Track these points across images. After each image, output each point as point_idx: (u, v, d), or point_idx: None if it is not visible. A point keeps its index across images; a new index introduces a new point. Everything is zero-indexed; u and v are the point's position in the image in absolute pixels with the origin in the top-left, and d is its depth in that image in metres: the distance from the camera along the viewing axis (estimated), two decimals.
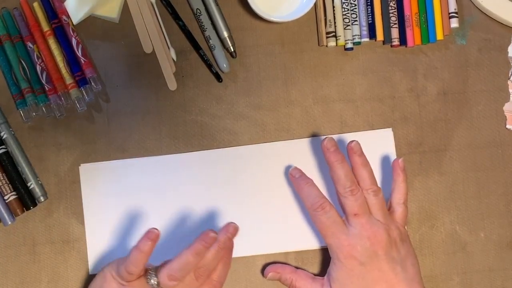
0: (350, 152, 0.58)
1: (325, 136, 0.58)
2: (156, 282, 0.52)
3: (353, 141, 0.58)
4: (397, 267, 0.55)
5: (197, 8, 0.63)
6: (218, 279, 0.56)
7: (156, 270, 0.53)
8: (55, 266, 0.62)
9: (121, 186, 0.62)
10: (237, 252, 0.62)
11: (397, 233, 0.56)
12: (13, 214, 0.61)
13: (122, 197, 0.62)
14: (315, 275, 0.61)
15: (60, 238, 0.62)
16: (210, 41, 0.63)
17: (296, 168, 0.60)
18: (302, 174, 0.59)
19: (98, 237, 0.62)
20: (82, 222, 0.62)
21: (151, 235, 0.51)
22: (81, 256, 0.62)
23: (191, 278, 0.53)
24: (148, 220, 0.62)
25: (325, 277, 0.58)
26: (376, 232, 0.55)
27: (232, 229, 0.55)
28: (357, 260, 0.54)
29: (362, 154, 0.58)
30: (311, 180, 0.59)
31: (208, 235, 0.52)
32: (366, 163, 0.58)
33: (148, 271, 0.53)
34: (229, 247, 0.56)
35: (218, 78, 0.64)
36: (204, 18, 0.63)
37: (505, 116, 0.64)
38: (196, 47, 0.64)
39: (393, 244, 0.55)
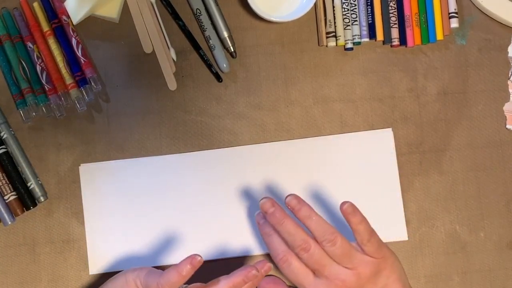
0: (290, 209, 0.53)
1: (263, 197, 0.54)
2: None
3: (288, 196, 0.53)
4: None
5: (197, 8, 0.63)
6: None
7: None
8: (55, 266, 0.62)
9: (121, 186, 0.62)
10: (237, 252, 0.62)
11: (370, 268, 0.53)
12: (13, 214, 0.61)
13: (122, 197, 0.62)
14: None
15: (60, 238, 0.62)
16: (210, 41, 0.63)
17: (259, 214, 0.56)
18: (265, 221, 0.56)
19: (98, 237, 0.62)
20: (82, 222, 0.62)
21: (194, 261, 0.50)
22: (81, 256, 0.62)
23: None
24: (148, 220, 0.62)
25: None
26: (343, 281, 0.52)
27: (267, 268, 0.53)
28: None
29: (302, 206, 0.53)
30: (272, 229, 0.55)
31: (250, 272, 0.51)
32: (311, 214, 0.53)
33: None
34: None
35: (218, 78, 0.64)
36: (204, 18, 0.63)
37: (505, 116, 0.64)
38: (196, 47, 0.64)
39: (364, 282, 0.53)
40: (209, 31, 0.63)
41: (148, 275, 0.52)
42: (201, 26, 0.64)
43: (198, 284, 0.53)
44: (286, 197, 0.53)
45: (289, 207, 0.53)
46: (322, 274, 0.53)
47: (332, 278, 0.53)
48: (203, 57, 0.64)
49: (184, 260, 0.50)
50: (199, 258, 0.50)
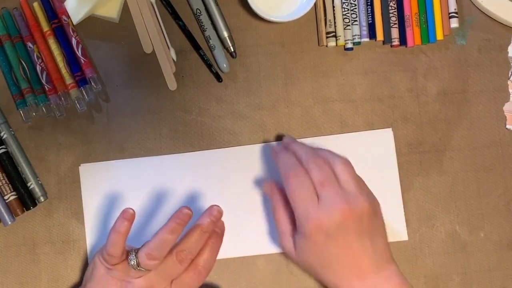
0: (291, 149, 0.57)
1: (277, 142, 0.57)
2: (136, 263, 0.52)
3: (283, 138, 0.59)
4: (365, 240, 0.52)
5: (197, 8, 0.63)
6: (204, 264, 0.55)
7: (137, 251, 0.53)
8: (55, 266, 0.62)
9: (121, 186, 0.62)
10: (237, 252, 0.62)
11: (370, 205, 0.53)
12: (13, 214, 0.61)
13: (122, 197, 0.62)
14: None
15: (60, 238, 0.62)
16: (210, 41, 0.63)
17: (289, 136, 0.60)
18: (282, 149, 0.58)
19: (98, 237, 0.62)
20: (82, 222, 0.62)
21: (127, 215, 0.51)
22: (81, 256, 0.62)
23: (174, 261, 0.53)
24: (148, 220, 0.62)
25: (295, 235, 0.55)
26: (347, 202, 0.52)
27: (216, 212, 0.53)
28: (324, 232, 0.52)
29: (296, 142, 0.59)
30: (289, 152, 0.57)
31: (181, 212, 0.52)
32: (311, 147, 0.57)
33: (129, 253, 0.53)
34: (217, 232, 0.56)
35: (218, 78, 0.64)
36: (204, 18, 0.63)
37: (505, 116, 0.64)
38: (196, 47, 0.64)
39: (364, 215, 0.52)
40: (209, 31, 0.63)
41: (103, 248, 0.54)
42: (201, 26, 0.64)
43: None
44: (283, 139, 0.60)
45: (288, 146, 0.58)
46: (327, 190, 0.52)
47: (336, 198, 0.52)
48: (203, 57, 0.64)
49: (118, 218, 0.51)
50: (131, 210, 0.51)
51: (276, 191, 0.58)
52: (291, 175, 0.54)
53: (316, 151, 0.56)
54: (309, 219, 0.52)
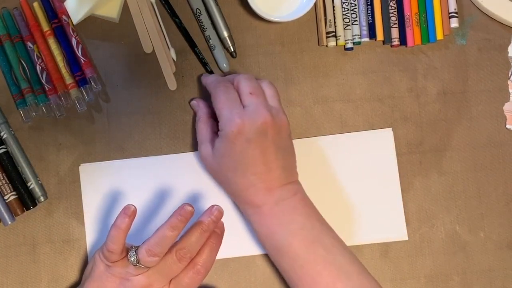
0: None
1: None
2: (136, 259, 0.52)
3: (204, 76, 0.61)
4: (279, 153, 0.55)
5: (197, 8, 0.64)
6: (203, 264, 0.55)
7: (137, 248, 0.53)
8: (55, 266, 0.62)
9: (121, 186, 0.62)
10: (237, 252, 0.62)
11: (288, 123, 0.57)
12: (13, 214, 0.61)
13: (122, 197, 0.62)
14: None
15: (60, 238, 0.62)
16: (210, 41, 0.63)
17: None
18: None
19: (98, 237, 0.62)
20: (82, 222, 0.62)
21: (128, 211, 0.51)
22: (81, 256, 0.62)
23: (173, 259, 0.53)
24: (148, 220, 0.62)
25: (215, 141, 0.57)
26: (270, 113, 0.55)
27: (217, 212, 0.54)
28: (244, 136, 0.54)
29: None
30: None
31: (183, 208, 0.52)
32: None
33: (129, 250, 0.53)
34: (217, 233, 0.56)
35: None
36: (204, 18, 0.63)
37: (505, 116, 0.64)
38: (192, 45, 0.64)
39: (283, 129, 0.56)
40: (209, 31, 0.63)
41: (103, 246, 0.54)
42: (201, 26, 0.64)
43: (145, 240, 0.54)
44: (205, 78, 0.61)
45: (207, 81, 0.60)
46: (254, 99, 0.55)
47: (261, 107, 0.55)
48: (198, 55, 0.64)
49: (119, 214, 0.52)
50: (133, 207, 0.51)
51: (203, 106, 0.61)
52: (220, 89, 0.57)
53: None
54: (233, 122, 0.54)
